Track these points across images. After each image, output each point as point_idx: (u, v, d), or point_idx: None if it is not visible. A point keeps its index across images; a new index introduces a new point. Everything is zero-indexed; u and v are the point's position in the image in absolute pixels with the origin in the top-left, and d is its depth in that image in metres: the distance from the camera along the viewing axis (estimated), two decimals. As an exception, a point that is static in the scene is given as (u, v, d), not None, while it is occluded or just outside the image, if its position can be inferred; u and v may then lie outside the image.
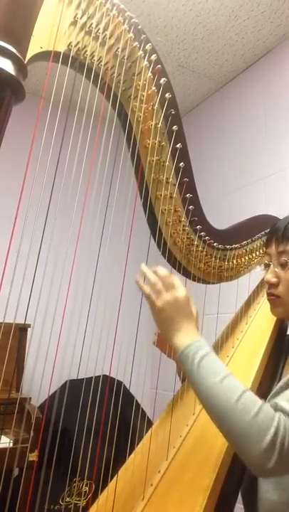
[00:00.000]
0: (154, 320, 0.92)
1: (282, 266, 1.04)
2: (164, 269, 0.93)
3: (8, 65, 0.70)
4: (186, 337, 0.89)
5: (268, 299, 1.09)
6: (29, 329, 2.16)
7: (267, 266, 1.09)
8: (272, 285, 1.06)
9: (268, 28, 2.42)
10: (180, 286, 0.93)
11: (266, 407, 0.79)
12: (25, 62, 0.75)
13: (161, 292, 0.91)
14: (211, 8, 2.30)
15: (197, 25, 2.43)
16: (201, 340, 0.89)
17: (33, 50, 0.78)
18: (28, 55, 0.76)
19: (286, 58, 2.46)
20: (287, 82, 2.41)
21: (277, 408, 0.80)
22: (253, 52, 2.60)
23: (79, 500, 1.96)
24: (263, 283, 1.38)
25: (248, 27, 2.42)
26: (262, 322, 1.21)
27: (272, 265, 1.07)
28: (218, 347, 1.26)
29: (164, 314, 0.90)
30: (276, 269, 1.05)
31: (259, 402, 0.79)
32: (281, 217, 1.16)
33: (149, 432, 1.10)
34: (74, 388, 2.11)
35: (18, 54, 0.71)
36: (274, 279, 1.05)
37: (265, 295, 1.21)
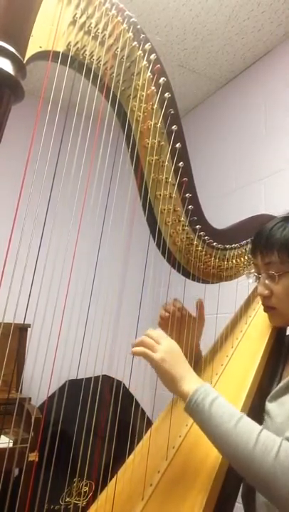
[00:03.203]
0: (157, 374, 0.91)
1: (271, 278, 1.04)
2: (149, 330, 0.95)
3: (7, 65, 0.70)
4: (190, 383, 0.88)
5: (265, 311, 1.10)
6: (29, 329, 2.16)
7: (257, 278, 1.09)
8: (266, 297, 1.06)
9: (268, 28, 2.41)
10: (167, 337, 0.94)
11: (285, 444, 0.78)
12: (25, 61, 0.74)
13: (154, 345, 0.91)
14: (211, 8, 2.30)
15: (197, 25, 2.42)
16: (205, 384, 0.88)
17: (32, 49, 0.78)
18: (27, 55, 0.76)
19: (286, 58, 2.45)
20: (287, 82, 2.41)
21: None
22: (253, 52, 2.60)
23: (79, 500, 1.96)
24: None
25: (248, 27, 2.42)
26: (261, 321, 1.20)
27: (261, 278, 1.07)
28: (218, 347, 1.26)
29: (165, 364, 0.89)
30: (266, 281, 1.05)
31: (277, 439, 0.78)
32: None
33: (149, 432, 1.10)
34: (74, 388, 2.11)
35: (17, 53, 0.71)
36: (266, 292, 1.05)
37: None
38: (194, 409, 0.85)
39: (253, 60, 2.67)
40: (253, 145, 2.57)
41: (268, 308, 1.08)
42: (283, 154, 2.34)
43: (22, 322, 0.86)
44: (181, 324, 1.18)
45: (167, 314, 1.18)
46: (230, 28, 2.43)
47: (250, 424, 0.82)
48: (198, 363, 1.25)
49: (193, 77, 2.85)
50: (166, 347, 0.91)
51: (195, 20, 2.39)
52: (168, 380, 0.89)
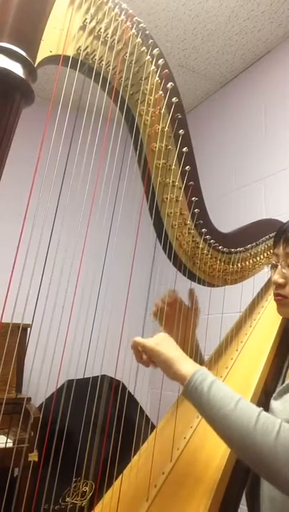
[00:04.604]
0: (154, 358, 0.93)
1: None
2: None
3: (18, 69, 0.71)
4: (186, 366, 0.89)
5: (275, 299, 1.10)
6: (29, 329, 2.16)
7: (274, 267, 1.10)
8: (280, 286, 1.06)
9: (268, 28, 2.42)
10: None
11: (284, 425, 0.79)
12: (35, 65, 0.75)
13: (149, 340, 0.93)
14: (211, 8, 2.30)
15: (197, 26, 2.43)
16: (202, 367, 0.89)
17: (42, 53, 0.78)
18: (38, 59, 0.76)
19: (286, 58, 2.46)
20: (287, 82, 2.42)
21: None
22: (253, 52, 2.60)
23: (79, 501, 1.97)
24: (267, 286, 1.39)
25: (248, 27, 2.42)
26: (266, 324, 1.21)
27: (279, 266, 1.08)
28: (223, 349, 1.27)
29: (160, 347, 0.91)
30: (283, 270, 1.06)
31: (276, 420, 0.79)
32: (281, 218, 1.17)
33: (154, 432, 1.11)
34: (73, 388, 2.12)
35: (27, 57, 0.72)
36: (281, 280, 1.06)
37: (270, 298, 1.21)
38: (193, 393, 0.86)
39: (253, 60, 2.67)
40: (253, 145, 2.58)
41: (279, 297, 1.08)
42: (283, 154, 2.35)
43: (23, 322, 0.86)
44: (177, 315, 1.18)
45: (162, 304, 1.18)
46: (230, 28, 2.44)
47: (249, 406, 0.83)
48: (203, 363, 1.26)
49: (193, 77, 2.85)
50: (158, 336, 0.94)
51: (195, 20, 2.39)
52: (164, 363, 0.91)
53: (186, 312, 1.21)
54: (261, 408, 0.82)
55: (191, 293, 1.22)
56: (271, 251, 1.19)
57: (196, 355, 1.23)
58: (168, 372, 0.91)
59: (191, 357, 0.94)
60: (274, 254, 1.12)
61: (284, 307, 1.09)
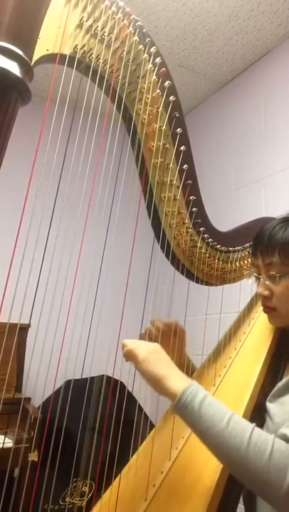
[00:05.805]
0: (141, 375, 0.89)
1: (272, 279, 1.04)
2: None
3: (14, 67, 0.71)
4: (177, 383, 0.86)
5: (264, 312, 1.10)
6: (28, 329, 2.16)
7: (257, 278, 1.09)
8: (266, 298, 1.06)
9: (268, 28, 2.42)
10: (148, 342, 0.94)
11: (277, 443, 0.77)
12: (32, 64, 0.75)
13: (139, 345, 0.91)
14: (211, 8, 2.30)
15: (197, 26, 2.43)
16: (193, 383, 0.86)
17: (39, 52, 0.78)
18: (35, 58, 0.76)
19: (286, 58, 2.46)
20: (287, 82, 2.41)
21: (288, 439, 0.79)
22: (253, 52, 2.60)
23: (79, 501, 1.96)
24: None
25: (248, 27, 2.42)
26: (265, 323, 1.21)
27: (262, 278, 1.07)
28: (221, 348, 1.27)
29: (148, 364, 0.88)
30: (267, 282, 1.06)
31: (269, 438, 0.77)
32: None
33: (152, 432, 1.11)
34: (73, 388, 2.12)
35: (24, 56, 0.72)
36: (266, 292, 1.05)
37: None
38: (183, 411, 0.83)
39: (253, 60, 2.67)
40: (252, 145, 2.58)
41: (267, 309, 1.08)
42: (283, 154, 2.34)
43: (22, 322, 0.86)
44: (165, 340, 1.14)
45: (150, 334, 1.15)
46: (230, 28, 2.44)
47: (241, 424, 0.80)
48: (200, 366, 1.26)
49: (193, 77, 2.85)
50: (148, 348, 0.91)
51: (195, 20, 2.39)
52: (153, 380, 0.88)
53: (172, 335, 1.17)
54: (254, 425, 0.80)
55: (174, 325, 1.18)
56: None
57: (187, 368, 1.21)
58: (156, 389, 0.88)
59: (182, 370, 0.91)
60: (254, 266, 1.11)
61: (274, 318, 1.09)
